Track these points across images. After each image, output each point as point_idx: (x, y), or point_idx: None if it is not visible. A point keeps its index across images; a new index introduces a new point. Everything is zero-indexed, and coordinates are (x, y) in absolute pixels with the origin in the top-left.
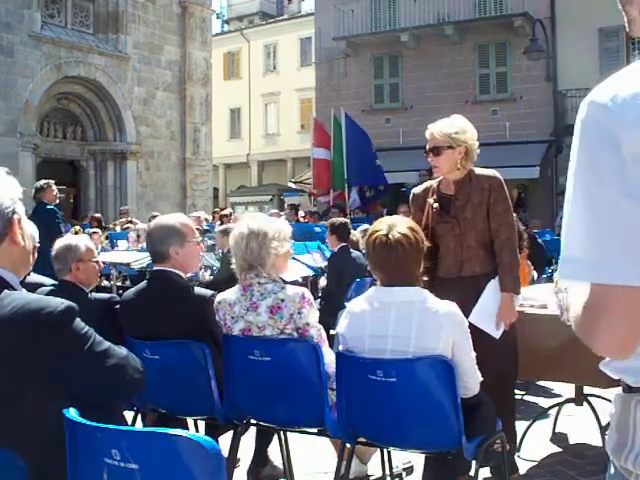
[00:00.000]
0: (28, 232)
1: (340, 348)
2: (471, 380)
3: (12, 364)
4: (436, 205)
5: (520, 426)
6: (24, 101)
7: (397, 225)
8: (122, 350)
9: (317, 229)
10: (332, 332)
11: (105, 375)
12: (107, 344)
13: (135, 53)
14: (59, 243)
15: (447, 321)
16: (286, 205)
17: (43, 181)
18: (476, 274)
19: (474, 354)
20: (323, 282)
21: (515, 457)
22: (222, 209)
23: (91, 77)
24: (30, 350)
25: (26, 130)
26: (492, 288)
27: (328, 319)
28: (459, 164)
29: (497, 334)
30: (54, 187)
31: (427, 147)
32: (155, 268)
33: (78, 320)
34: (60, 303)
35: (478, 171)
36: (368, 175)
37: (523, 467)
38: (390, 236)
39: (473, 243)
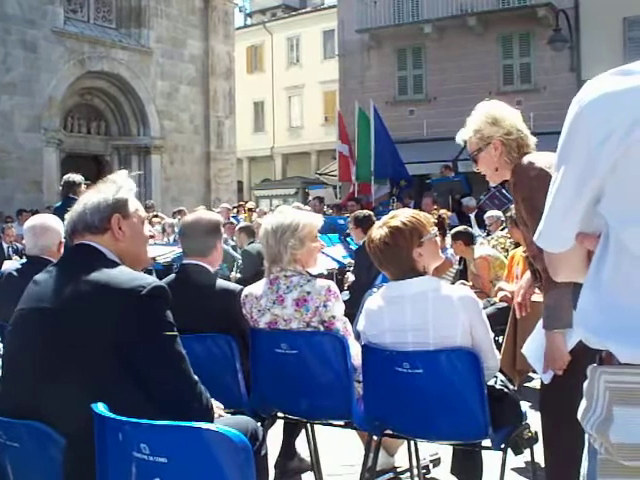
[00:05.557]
0: (138, 232)
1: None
2: (490, 359)
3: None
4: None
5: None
6: (48, 97)
7: (387, 222)
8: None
9: (341, 221)
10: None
11: (173, 371)
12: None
13: (158, 47)
14: None
15: (461, 305)
16: (310, 198)
17: (79, 178)
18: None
19: (492, 334)
20: (349, 275)
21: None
22: (246, 202)
23: (114, 72)
24: (107, 321)
25: (50, 125)
26: None
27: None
28: (498, 162)
29: (545, 377)
30: (83, 187)
31: None
32: (185, 261)
33: (164, 305)
34: (148, 283)
35: (525, 159)
36: (396, 168)
37: (541, 461)
38: (373, 236)
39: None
